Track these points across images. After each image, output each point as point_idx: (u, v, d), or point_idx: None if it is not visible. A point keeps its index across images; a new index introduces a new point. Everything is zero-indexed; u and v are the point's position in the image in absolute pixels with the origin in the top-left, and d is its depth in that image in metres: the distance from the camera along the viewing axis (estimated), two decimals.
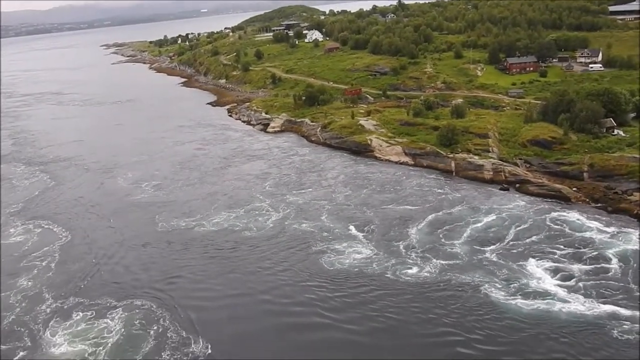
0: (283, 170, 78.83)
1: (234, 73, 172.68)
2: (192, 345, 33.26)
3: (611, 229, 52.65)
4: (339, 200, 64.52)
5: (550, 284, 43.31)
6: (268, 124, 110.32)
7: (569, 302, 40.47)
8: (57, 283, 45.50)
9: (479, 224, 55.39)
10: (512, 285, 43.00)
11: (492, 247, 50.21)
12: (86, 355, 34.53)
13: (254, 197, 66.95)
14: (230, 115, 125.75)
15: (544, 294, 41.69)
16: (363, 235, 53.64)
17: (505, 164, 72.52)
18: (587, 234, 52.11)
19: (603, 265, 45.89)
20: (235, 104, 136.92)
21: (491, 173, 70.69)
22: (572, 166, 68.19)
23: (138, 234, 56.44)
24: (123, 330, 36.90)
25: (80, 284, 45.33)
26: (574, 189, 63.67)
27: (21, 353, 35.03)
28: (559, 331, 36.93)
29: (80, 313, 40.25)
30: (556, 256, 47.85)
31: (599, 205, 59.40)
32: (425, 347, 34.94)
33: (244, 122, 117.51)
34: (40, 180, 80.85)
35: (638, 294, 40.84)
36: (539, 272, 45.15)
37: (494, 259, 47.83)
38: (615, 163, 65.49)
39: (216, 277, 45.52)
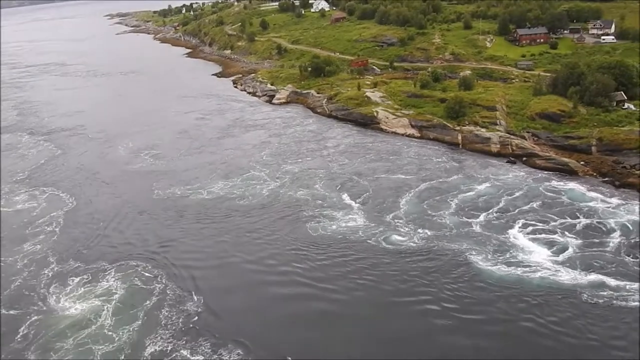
0: (284, 140, 78.32)
1: (239, 44, 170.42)
2: (188, 303, 35.99)
3: (614, 201, 52.03)
4: (337, 169, 64.47)
5: (538, 253, 42.86)
6: (274, 96, 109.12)
7: (552, 270, 40.03)
8: (61, 247, 46.24)
9: (475, 193, 55.34)
10: (496, 253, 42.68)
11: (484, 215, 50.00)
12: (94, 312, 35.62)
13: (253, 166, 66.84)
14: (236, 87, 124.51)
15: (527, 262, 41.26)
16: (355, 204, 53.76)
17: (512, 137, 71.48)
18: (588, 205, 51.61)
19: (598, 236, 45.36)
20: (241, 75, 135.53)
21: (498, 146, 69.84)
22: (581, 140, 67.14)
23: (136, 202, 56.70)
24: (126, 288, 38.62)
25: (83, 248, 46.08)
26: (582, 162, 62.72)
27: (30, 315, 35.36)
28: (533, 295, 36.66)
29: (84, 275, 41.15)
30: (549, 226, 47.39)
31: (607, 179, 58.37)
32: (398, 313, 34.94)
33: (249, 93, 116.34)
34: (44, 149, 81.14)
35: (631, 265, 40.19)
36: (527, 241, 44.72)
37: (483, 227, 47.46)
38: (624, 137, 64.35)
39: (208, 243, 46.47)
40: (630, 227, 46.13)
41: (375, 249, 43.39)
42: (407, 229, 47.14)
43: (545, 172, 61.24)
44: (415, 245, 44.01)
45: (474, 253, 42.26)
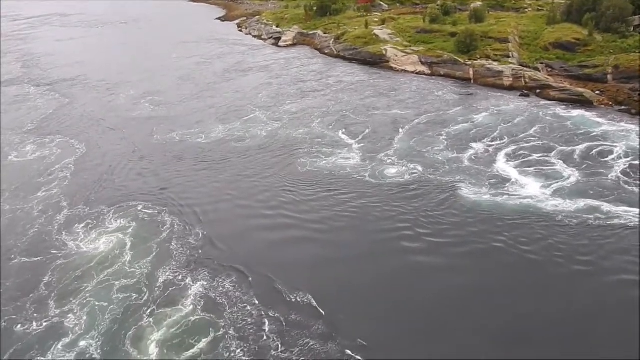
0: (286, 81, 76.96)
1: None
2: (190, 237, 37.28)
3: (625, 126, 50.18)
4: (337, 108, 63.60)
5: (530, 181, 41.50)
6: (279, 38, 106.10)
7: (541, 197, 38.82)
8: (74, 192, 46.81)
9: (474, 124, 54.57)
10: (484, 183, 41.75)
11: (480, 144, 49.34)
12: (111, 251, 36.53)
13: (252, 109, 65.86)
14: (240, 30, 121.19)
15: (516, 190, 40.19)
16: (351, 140, 53.13)
17: (525, 69, 69.05)
18: (594, 131, 49.99)
19: (601, 162, 43.94)
20: (245, 18, 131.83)
21: (511, 79, 67.71)
22: (596, 68, 64.70)
23: (137, 148, 56.70)
24: (136, 226, 39.48)
25: (93, 192, 46.66)
26: (597, 92, 60.97)
27: (51, 261, 35.88)
28: (512, 220, 35.87)
29: (97, 217, 41.69)
30: (547, 153, 46.40)
31: (622, 108, 56.36)
32: (377, 240, 35.11)
33: (254, 37, 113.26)
34: (50, 100, 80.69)
35: (629, 191, 38.89)
36: (518, 169, 43.62)
37: (476, 158, 46.65)
38: None
39: (207, 184, 46.81)
40: None
41: (361, 184, 43.46)
42: (396, 163, 46.81)
43: (558, 103, 59.91)
44: (402, 179, 43.67)
45: (461, 184, 41.70)
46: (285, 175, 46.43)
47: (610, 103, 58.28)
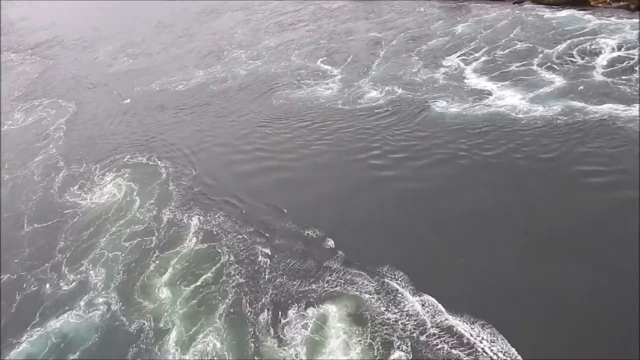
0: (267, 15, 76.71)
1: None
2: (182, 179, 39.55)
3: (617, 21, 47.79)
4: (317, 37, 63.75)
5: (509, 91, 40.83)
6: None
7: (513, 105, 38.74)
8: (70, 151, 48.72)
9: (454, 36, 53.95)
10: (457, 97, 41.57)
11: (455, 57, 49.00)
12: (116, 201, 38.71)
13: (231, 49, 66.24)
14: None
15: (489, 101, 39.92)
16: (329, 68, 53.48)
17: None
18: (582, 29, 48.01)
19: (587, 63, 42.28)
20: None
21: None
22: None
23: (121, 102, 57.96)
24: (134, 175, 41.68)
25: (87, 148, 48.63)
26: None
27: (62, 223, 37.79)
28: (478, 129, 36.41)
29: (96, 172, 43.82)
30: (527, 57, 45.45)
31: (621, 4, 52.83)
32: (348, 162, 36.53)
33: None
34: (33, 64, 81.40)
35: (612, 88, 37.86)
36: (498, 80, 43.03)
37: (451, 72, 46.29)
38: None
39: (189, 129, 48.16)
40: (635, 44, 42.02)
41: (334, 112, 44.28)
42: (371, 89, 46.99)
43: (552, 7, 56.48)
44: (375, 103, 44.09)
45: (433, 102, 41.82)
46: (262, 112, 47.62)
47: (608, 0, 55.63)
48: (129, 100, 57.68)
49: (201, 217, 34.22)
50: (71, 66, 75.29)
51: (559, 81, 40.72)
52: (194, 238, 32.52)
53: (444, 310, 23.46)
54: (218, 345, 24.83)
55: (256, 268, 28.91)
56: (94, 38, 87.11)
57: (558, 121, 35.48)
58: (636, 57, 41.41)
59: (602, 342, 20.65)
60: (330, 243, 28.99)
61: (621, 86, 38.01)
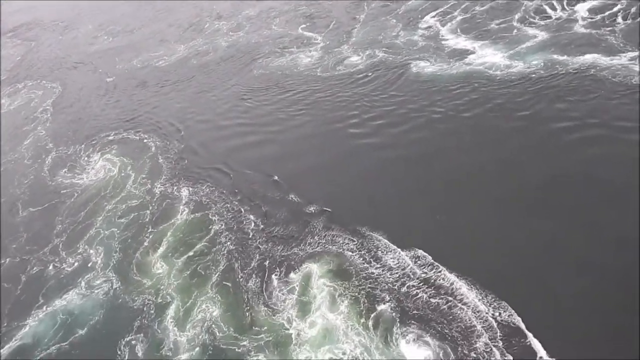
0: None
1: None
2: (170, 152, 40.43)
3: None
4: (297, 2, 63.72)
5: (489, 49, 40.77)
6: None
7: (492, 62, 38.70)
8: (58, 132, 49.18)
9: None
10: (438, 58, 41.72)
11: (433, 18, 48.89)
12: (110, 178, 39.44)
13: (211, 21, 65.93)
14: None
15: (469, 59, 40.11)
16: (313, 36, 53.35)
17: None
18: None
19: (567, 14, 42.25)
20: None
21: None
22: None
23: (104, 80, 58.14)
24: (124, 151, 42.47)
25: (75, 128, 49.12)
26: None
27: (58, 206, 38.29)
28: (455, 89, 36.83)
29: (86, 151, 44.49)
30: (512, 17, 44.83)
31: None
32: (328, 132, 37.27)
33: None
34: (14, 47, 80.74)
35: (595, 38, 37.50)
36: (479, 40, 42.84)
37: (429, 34, 46.31)
38: None
39: (174, 105, 48.62)
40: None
41: (313, 80, 44.57)
42: (350, 54, 47.10)
43: None
44: (353, 69, 44.21)
45: (411, 64, 41.87)
46: (242, 84, 47.80)
47: None
48: (112, 79, 57.77)
49: (190, 188, 35.21)
50: (53, 47, 74.78)
51: (541, 36, 40.56)
52: (186, 209, 33.55)
53: (425, 263, 24.80)
54: (215, 313, 26.10)
55: (245, 235, 30.07)
56: (73, 17, 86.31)
57: (532, 76, 35.74)
58: (618, 5, 41.33)
59: (575, 283, 22.04)
60: (313, 208, 30.10)
61: (606, 36, 37.88)
